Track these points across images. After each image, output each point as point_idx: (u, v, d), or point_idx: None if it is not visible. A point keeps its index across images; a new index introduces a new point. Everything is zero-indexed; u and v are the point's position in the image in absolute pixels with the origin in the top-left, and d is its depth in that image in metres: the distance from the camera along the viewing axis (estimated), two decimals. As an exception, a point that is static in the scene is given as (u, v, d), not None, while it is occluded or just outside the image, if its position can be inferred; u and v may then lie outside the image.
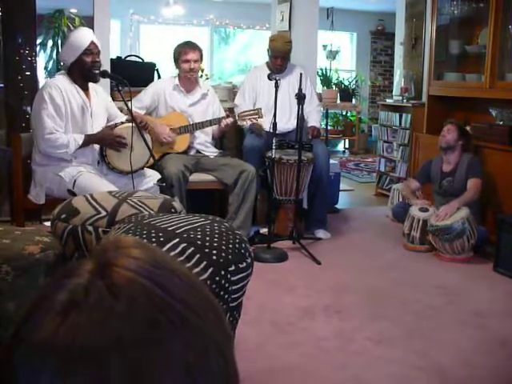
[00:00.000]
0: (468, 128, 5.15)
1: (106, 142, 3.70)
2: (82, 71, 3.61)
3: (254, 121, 4.56)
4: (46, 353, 0.46)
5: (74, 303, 0.48)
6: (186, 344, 0.49)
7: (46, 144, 3.53)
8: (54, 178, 3.58)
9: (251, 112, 4.55)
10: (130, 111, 3.58)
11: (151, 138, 4.02)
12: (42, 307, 0.49)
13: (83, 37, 3.62)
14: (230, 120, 4.49)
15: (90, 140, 3.64)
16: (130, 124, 3.65)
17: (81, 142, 3.57)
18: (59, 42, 8.81)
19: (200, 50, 4.55)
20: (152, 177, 3.88)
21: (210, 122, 4.51)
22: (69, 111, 3.58)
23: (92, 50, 3.60)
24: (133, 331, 0.47)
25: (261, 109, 4.55)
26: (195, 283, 0.56)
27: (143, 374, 0.46)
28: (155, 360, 0.47)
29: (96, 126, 3.71)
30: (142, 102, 4.47)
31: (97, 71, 3.65)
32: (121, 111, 4.01)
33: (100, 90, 3.84)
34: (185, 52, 4.47)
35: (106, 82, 4.42)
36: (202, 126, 4.49)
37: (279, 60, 4.85)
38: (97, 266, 0.51)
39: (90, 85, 3.74)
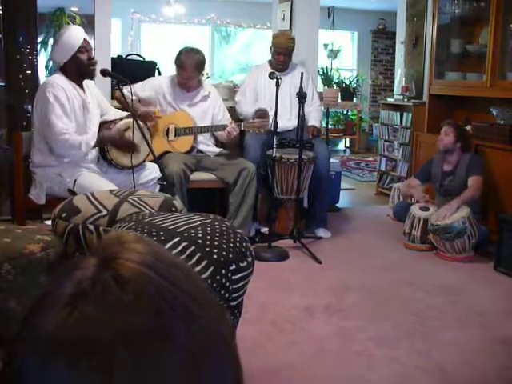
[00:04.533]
0: (468, 127, 5.15)
1: (117, 145, 3.72)
2: (79, 69, 3.60)
3: (258, 132, 4.52)
4: (53, 345, 0.46)
5: (81, 295, 0.48)
6: (191, 334, 0.49)
7: (58, 146, 3.52)
8: (55, 177, 3.58)
9: (257, 124, 4.48)
10: (130, 109, 3.58)
11: (151, 132, 4.05)
12: (47, 300, 0.49)
13: (76, 35, 3.60)
14: (236, 129, 4.39)
15: (101, 142, 3.67)
16: (131, 120, 3.65)
17: (93, 144, 3.58)
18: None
19: (197, 64, 4.44)
20: (151, 170, 3.89)
21: (215, 128, 4.49)
22: (72, 110, 3.58)
23: (86, 48, 3.60)
24: (140, 322, 0.47)
25: (268, 121, 4.47)
26: (195, 277, 0.56)
27: (149, 363, 0.46)
28: (161, 350, 0.47)
29: (93, 121, 3.71)
30: (144, 86, 4.48)
31: (94, 68, 3.65)
32: (121, 109, 4.01)
33: (91, 85, 3.81)
34: (180, 67, 4.42)
35: (106, 81, 4.43)
36: (207, 130, 4.48)
37: (282, 56, 4.85)
38: (101, 260, 0.51)
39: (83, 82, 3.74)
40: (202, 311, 0.51)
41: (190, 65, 4.41)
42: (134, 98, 4.13)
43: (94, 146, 3.62)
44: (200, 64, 4.48)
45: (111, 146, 3.73)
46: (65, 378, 0.45)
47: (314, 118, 4.97)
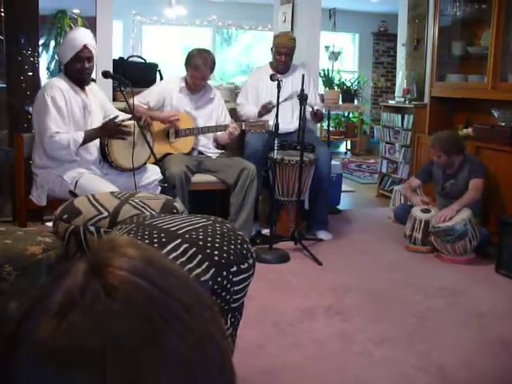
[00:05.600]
0: (469, 130, 5.15)
1: (109, 133, 3.67)
2: (74, 74, 3.61)
3: (259, 131, 4.53)
4: (44, 354, 0.46)
5: (71, 304, 0.48)
6: (182, 341, 0.49)
7: (48, 147, 3.53)
8: (56, 179, 3.58)
9: (259, 124, 4.50)
10: (131, 111, 3.58)
11: (152, 134, 4.05)
12: (38, 309, 0.49)
13: (76, 40, 3.58)
14: (237, 129, 4.43)
15: (91, 135, 3.62)
16: (132, 122, 3.65)
17: (81, 140, 3.55)
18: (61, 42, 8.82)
19: (211, 65, 4.49)
20: (152, 172, 3.89)
21: (216, 128, 4.50)
22: (70, 112, 3.58)
23: (82, 56, 3.56)
24: (130, 331, 0.47)
25: (268, 121, 4.49)
26: (189, 282, 0.56)
27: (140, 372, 0.47)
28: (152, 359, 0.47)
29: (95, 124, 3.71)
30: (145, 98, 4.47)
31: (87, 76, 3.64)
32: (123, 111, 4.01)
33: (94, 87, 3.81)
34: (195, 69, 4.44)
35: (108, 83, 4.43)
36: (207, 130, 4.49)
37: (283, 56, 4.85)
38: (91, 267, 0.51)
39: None
40: (192, 316, 0.51)
41: (207, 65, 4.45)
42: (144, 106, 4.17)
43: (84, 143, 3.58)
44: (214, 63, 4.54)
45: (109, 145, 3.71)
46: None
47: (318, 106, 4.97)
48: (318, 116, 4.85)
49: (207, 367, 0.51)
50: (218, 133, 4.57)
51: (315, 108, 4.81)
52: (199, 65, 4.41)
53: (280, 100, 4.31)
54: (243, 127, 4.50)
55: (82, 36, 3.63)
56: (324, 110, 5.30)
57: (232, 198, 4.49)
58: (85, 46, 3.56)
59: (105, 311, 0.47)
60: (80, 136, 3.55)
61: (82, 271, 0.51)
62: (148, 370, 0.47)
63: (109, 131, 3.67)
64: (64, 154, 3.54)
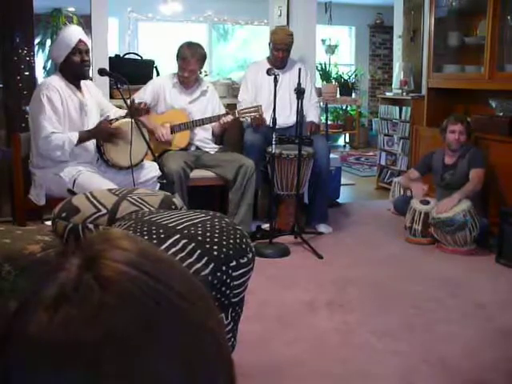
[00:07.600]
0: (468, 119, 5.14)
1: (101, 136, 3.68)
2: (72, 70, 3.59)
3: (253, 117, 4.56)
4: (38, 349, 0.45)
5: (64, 297, 0.47)
6: (179, 331, 0.49)
7: (43, 147, 3.52)
8: (54, 178, 3.58)
9: (251, 109, 4.54)
10: (129, 109, 3.57)
11: (149, 133, 4.04)
12: (31, 303, 0.48)
13: (71, 35, 3.58)
14: (229, 118, 4.49)
15: (85, 136, 3.61)
16: (129, 119, 3.64)
17: (76, 141, 3.54)
18: (57, 41, 8.80)
19: (200, 58, 4.49)
20: (150, 168, 3.88)
21: (210, 120, 4.51)
22: (66, 112, 3.57)
23: (80, 49, 3.57)
24: (125, 323, 0.47)
25: (261, 106, 4.53)
26: (185, 272, 0.55)
27: (137, 364, 0.46)
28: (148, 350, 0.47)
29: (91, 122, 3.70)
30: (141, 98, 4.46)
31: (87, 68, 3.63)
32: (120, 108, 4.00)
33: (90, 85, 3.80)
34: (183, 60, 4.44)
35: (104, 81, 4.42)
36: (201, 123, 4.49)
37: (281, 52, 4.84)
38: (84, 260, 0.50)
39: (82, 81, 3.72)
40: (189, 307, 0.51)
41: (194, 57, 4.44)
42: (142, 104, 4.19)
43: (79, 143, 3.57)
44: (203, 57, 4.54)
45: (105, 144, 3.71)
46: (52, 380, 0.45)
47: (313, 114, 4.98)
48: (313, 130, 4.85)
49: (204, 356, 0.50)
50: (213, 124, 4.59)
51: (310, 119, 4.85)
52: (186, 56, 4.41)
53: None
54: (237, 115, 4.51)
55: (75, 32, 3.63)
56: (321, 104, 5.28)
57: (231, 194, 4.49)
58: (80, 40, 3.57)
59: (99, 304, 0.47)
60: (75, 136, 3.54)
61: (76, 265, 0.50)
62: (143, 361, 0.46)
63: (101, 134, 3.68)
64: (58, 154, 3.53)
